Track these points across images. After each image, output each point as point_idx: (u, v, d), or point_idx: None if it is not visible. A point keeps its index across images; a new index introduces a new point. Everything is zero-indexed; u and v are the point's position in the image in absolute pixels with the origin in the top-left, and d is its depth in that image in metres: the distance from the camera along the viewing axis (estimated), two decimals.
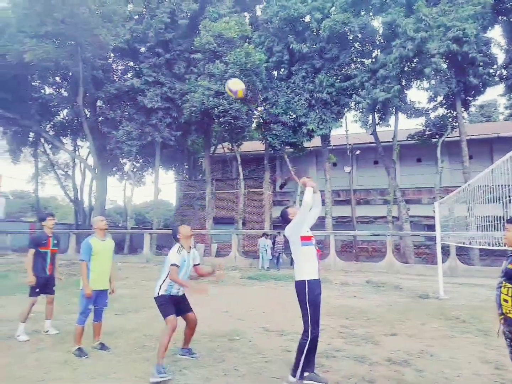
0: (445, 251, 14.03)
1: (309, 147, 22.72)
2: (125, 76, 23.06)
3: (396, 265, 15.86)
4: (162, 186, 70.54)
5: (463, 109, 18.72)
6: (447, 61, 17.25)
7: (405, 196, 21.22)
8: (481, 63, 16.93)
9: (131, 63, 23.05)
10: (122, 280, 12.03)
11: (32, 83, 22.44)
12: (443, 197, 12.99)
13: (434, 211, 9.99)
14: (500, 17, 18.10)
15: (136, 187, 29.45)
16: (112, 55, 22.71)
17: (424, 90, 18.52)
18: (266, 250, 16.53)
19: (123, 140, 20.77)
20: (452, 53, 16.24)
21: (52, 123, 25.15)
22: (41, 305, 5.48)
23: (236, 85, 5.17)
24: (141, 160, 27.22)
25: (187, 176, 30.64)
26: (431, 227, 18.63)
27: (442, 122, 19.49)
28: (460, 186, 8.52)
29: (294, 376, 3.61)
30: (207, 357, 4.49)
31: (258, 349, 4.86)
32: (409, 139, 21.67)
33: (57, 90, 24.11)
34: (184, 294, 4.30)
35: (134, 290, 10.06)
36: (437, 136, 19.84)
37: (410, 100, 19.27)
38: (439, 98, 19.17)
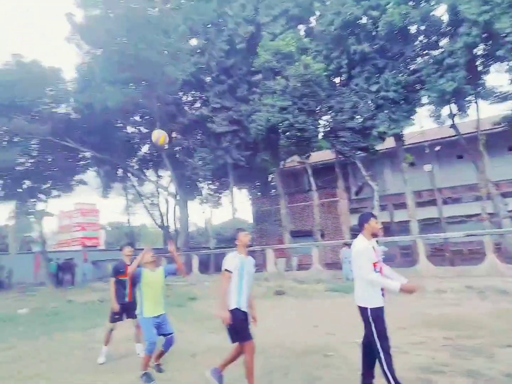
0: None
1: (381, 149, 21.77)
2: (194, 106, 24.57)
3: (499, 267, 14.17)
4: (238, 205, 72.73)
5: None
6: None
7: (500, 189, 19.13)
8: None
9: (198, 93, 24.51)
10: (212, 299, 12.56)
11: (116, 125, 25.00)
12: None
13: None
14: None
15: (215, 209, 30.78)
16: (180, 88, 24.34)
17: (505, 72, 16.67)
18: (349, 260, 16.01)
19: (198, 166, 22.01)
20: None
21: (136, 158, 27.67)
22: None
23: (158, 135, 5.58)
24: (216, 183, 28.50)
25: (259, 193, 31.23)
26: None
27: None
28: None
29: None
30: (304, 375, 4.46)
31: (355, 365, 4.70)
32: (496, 126, 19.59)
33: (137, 128, 26.54)
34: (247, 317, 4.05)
35: None
36: None
37: (490, 85, 17.48)
38: None
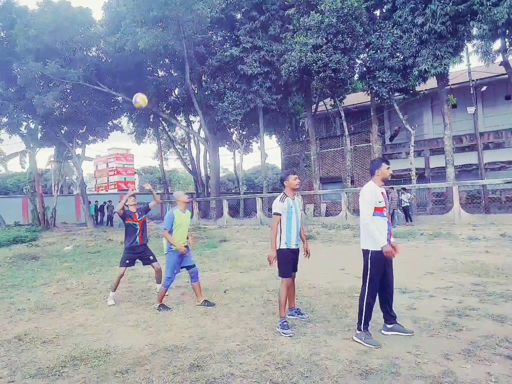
0: None
1: (422, 90, 20.41)
2: (224, 47, 23.66)
3: None
4: (268, 151, 72.29)
5: None
6: None
7: None
8: None
9: (229, 33, 23.45)
10: (242, 241, 13.05)
11: (146, 68, 24.67)
12: None
13: None
14: None
15: (244, 154, 30.77)
16: (210, 27, 23.27)
17: None
18: None
19: (228, 110, 21.68)
20: None
21: (166, 103, 27.56)
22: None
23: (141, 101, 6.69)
24: (246, 128, 28.17)
25: (289, 139, 30.74)
26: None
27: None
28: None
29: (359, 329, 3.73)
30: (329, 313, 4.66)
31: (378, 307, 4.82)
32: None
33: (168, 71, 26.10)
34: (298, 252, 4.40)
35: (253, 250, 10.83)
36: None
37: None
38: None
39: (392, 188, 15.95)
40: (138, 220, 5.93)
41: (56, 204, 24.83)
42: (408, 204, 15.61)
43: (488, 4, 14.67)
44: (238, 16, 22.02)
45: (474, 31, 16.31)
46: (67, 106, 22.69)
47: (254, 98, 21.39)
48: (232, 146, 30.89)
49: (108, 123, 25.44)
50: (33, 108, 20.68)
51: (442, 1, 16.03)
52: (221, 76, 22.79)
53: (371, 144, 22.20)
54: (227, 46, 23.06)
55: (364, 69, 19.01)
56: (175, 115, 28.42)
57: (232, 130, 27.80)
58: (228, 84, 22.32)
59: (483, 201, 18.06)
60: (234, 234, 15.24)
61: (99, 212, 27.03)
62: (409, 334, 3.79)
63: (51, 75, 19.84)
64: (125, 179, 31.49)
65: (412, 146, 18.78)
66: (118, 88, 23.08)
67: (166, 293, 5.49)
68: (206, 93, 24.24)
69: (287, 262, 4.23)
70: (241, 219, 22.24)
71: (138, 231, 5.89)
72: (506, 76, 17.33)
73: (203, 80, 25.22)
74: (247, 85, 21.53)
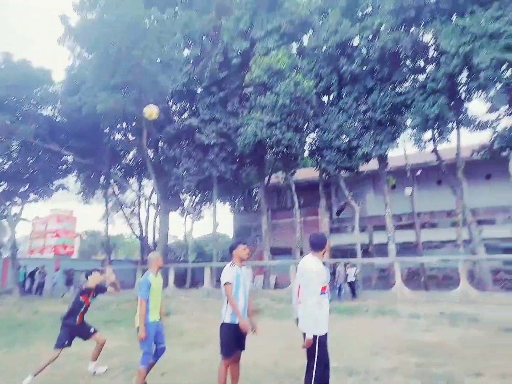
0: None
1: (365, 170, 22.14)
2: (183, 116, 24.51)
3: (472, 293, 14.47)
4: (219, 219, 72.24)
5: None
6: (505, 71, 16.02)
7: (476, 216, 19.56)
8: None
9: (188, 104, 24.51)
10: (187, 314, 12.32)
11: (103, 131, 24.64)
12: None
13: None
14: None
15: (196, 221, 30.48)
16: (171, 97, 24.25)
17: (486, 101, 17.31)
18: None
19: (182, 176, 21.82)
20: (504, 63, 15.03)
21: (119, 166, 27.26)
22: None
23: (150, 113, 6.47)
24: (199, 195, 28.28)
25: (242, 208, 31.18)
26: (510, 250, 16.92)
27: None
28: None
29: None
30: None
31: None
32: (475, 154, 20.20)
33: (124, 135, 26.25)
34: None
35: (198, 324, 10.23)
36: (508, 149, 18.26)
37: (472, 113, 18.10)
38: (503, 108, 17.75)
39: (339, 263, 16.33)
40: (90, 301, 5.57)
41: None
42: (354, 279, 15.91)
43: (420, 99, 16.92)
44: (199, 90, 23.20)
45: (408, 122, 18.45)
46: (10, 162, 21.62)
47: (209, 167, 21.84)
48: (184, 212, 30.58)
49: (53, 182, 24.37)
50: None
51: (382, 93, 18.22)
52: (178, 143, 23.26)
53: (319, 217, 23.07)
54: (186, 116, 23.94)
55: (314, 147, 20.44)
56: (128, 177, 28.05)
57: (185, 195, 27.75)
58: (185, 151, 22.75)
59: (423, 278, 18.94)
60: (179, 306, 14.38)
61: (28, 279, 24.18)
62: None
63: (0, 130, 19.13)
64: (63, 243, 29.38)
65: (356, 222, 19.76)
66: (69, 148, 22.61)
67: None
68: (162, 158, 24.46)
69: (231, 338, 3.97)
70: (188, 289, 21.23)
71: (82, 310, 5.49)
72: (437, 163, 19.37)
73: (159, 146, 25.56)
74: (203, 154, 22.07)
